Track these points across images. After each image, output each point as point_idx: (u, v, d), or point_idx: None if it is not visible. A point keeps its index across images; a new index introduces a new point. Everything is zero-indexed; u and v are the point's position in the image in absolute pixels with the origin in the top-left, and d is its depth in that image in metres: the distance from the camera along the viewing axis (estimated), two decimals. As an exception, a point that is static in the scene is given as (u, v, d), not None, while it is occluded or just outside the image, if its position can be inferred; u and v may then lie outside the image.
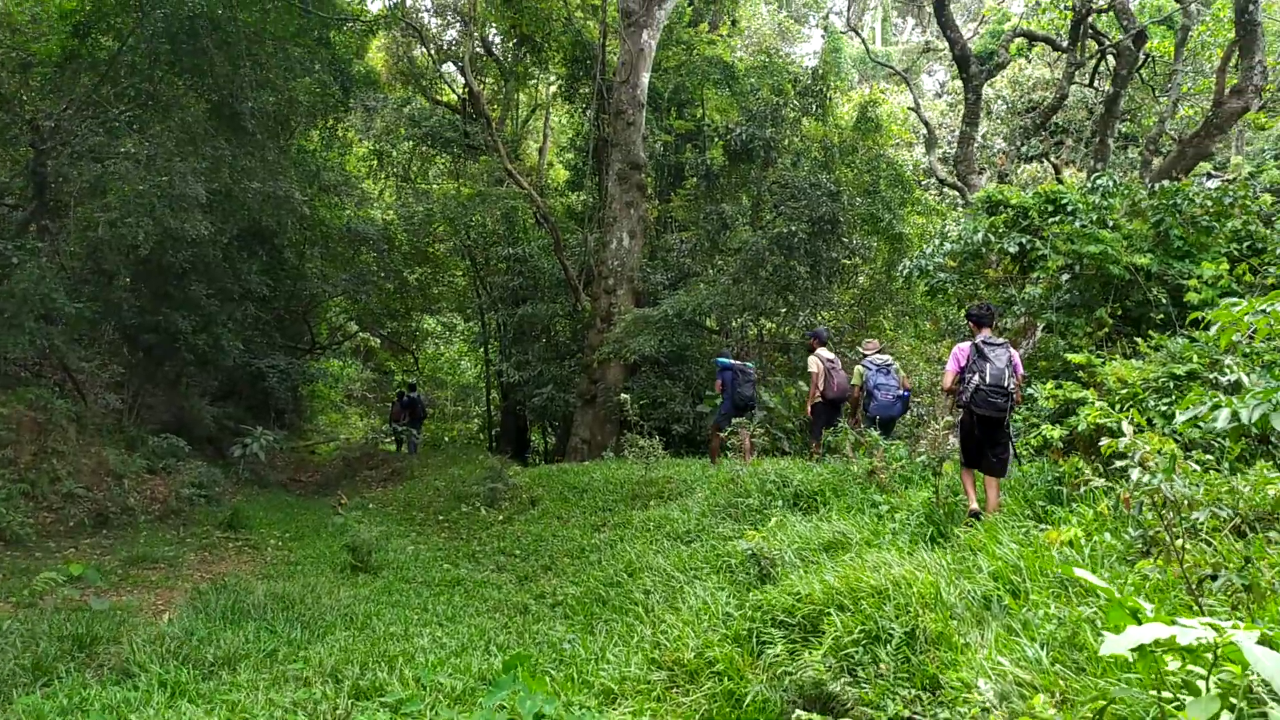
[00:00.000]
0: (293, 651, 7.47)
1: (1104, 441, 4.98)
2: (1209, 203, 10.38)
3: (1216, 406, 3.94)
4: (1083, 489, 6.62)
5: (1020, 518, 6.87)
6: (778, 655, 5.59)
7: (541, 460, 24.15)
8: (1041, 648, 4.37)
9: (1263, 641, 2.31)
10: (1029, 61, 31.47)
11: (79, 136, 14.79)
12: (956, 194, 23.93)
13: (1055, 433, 7.60)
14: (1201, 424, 4.12)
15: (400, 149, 28.56)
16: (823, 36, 41.96)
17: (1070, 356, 8.55)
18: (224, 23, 15.64)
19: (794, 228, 17.81)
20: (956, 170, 22.29)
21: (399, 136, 27.05)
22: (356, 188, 26.47)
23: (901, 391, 12.27)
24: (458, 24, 26.51)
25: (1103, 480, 5.39)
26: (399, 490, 18.19)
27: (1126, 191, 11.25)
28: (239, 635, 7.79)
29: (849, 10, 38.67)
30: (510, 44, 26.38)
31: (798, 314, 19.25)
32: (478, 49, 26.32)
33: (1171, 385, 7.29)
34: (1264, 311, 4.07)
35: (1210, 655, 2.46)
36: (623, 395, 15.01)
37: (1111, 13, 20.25)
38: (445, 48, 26.88)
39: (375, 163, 29.13)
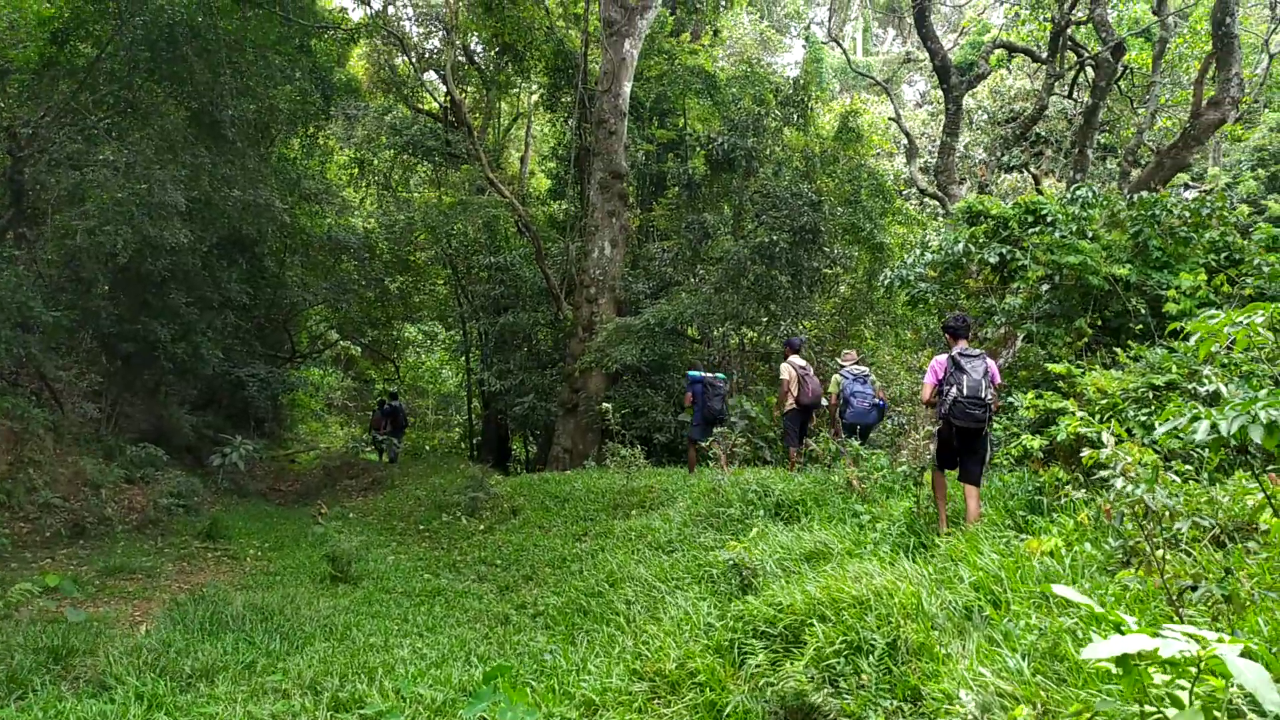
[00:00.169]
0: (271, 663, 7.40)
1: (1086, 452, 5.00)
2: (1187, 214, 10.47)
3: (1196, 418, 3.95)
4: (1063, 499, 6.65)
5: (1001, 527, 6.89)
6: (759, 666, 5.58)
7: (523, 469, 24.10)
8: (1023, 659, 4.37)
9: (1245, 654, 2.31)
10: (1010, 72, 31.65)
11: (57, 144, 14.69)
12: (937, 204, 24.00)
13: (1035, 443, 7.63)
14: (1181, 435, 4.13)
15: (381, 157, 28.51)
16: (804, 47, 42.13)
17: (1050, 366, 8.59)
18: (204, 30, 15.56)
19: (775, 237, 17.85)
20: (937, 180, 22.39)
21: (380, 145, 27.01)
22: (337, 196, 26.40)
23: (877, 400, 12.67)
24: (439, 32, 26.47)
25: (1084, 491, 5.41)
26: (380, 499, 18.10)
27: (1105, 202, 11.33)
28: (217, 647, 7.71)
29: (830, 21, 38.81)
30: (492, 53, 26.33)
31: (779, 323, 19.26)
32: (459, 57, 26.27)
33: (1151, 395, 7.34)
34: (1242, 324, 4.09)
35: (1194, 668, 2.47)
36: (604, 404, 14.99)
37: (1090, 25, 20.39)
38: (427, 56, 26.83)
39: (356, 171, 29.05)
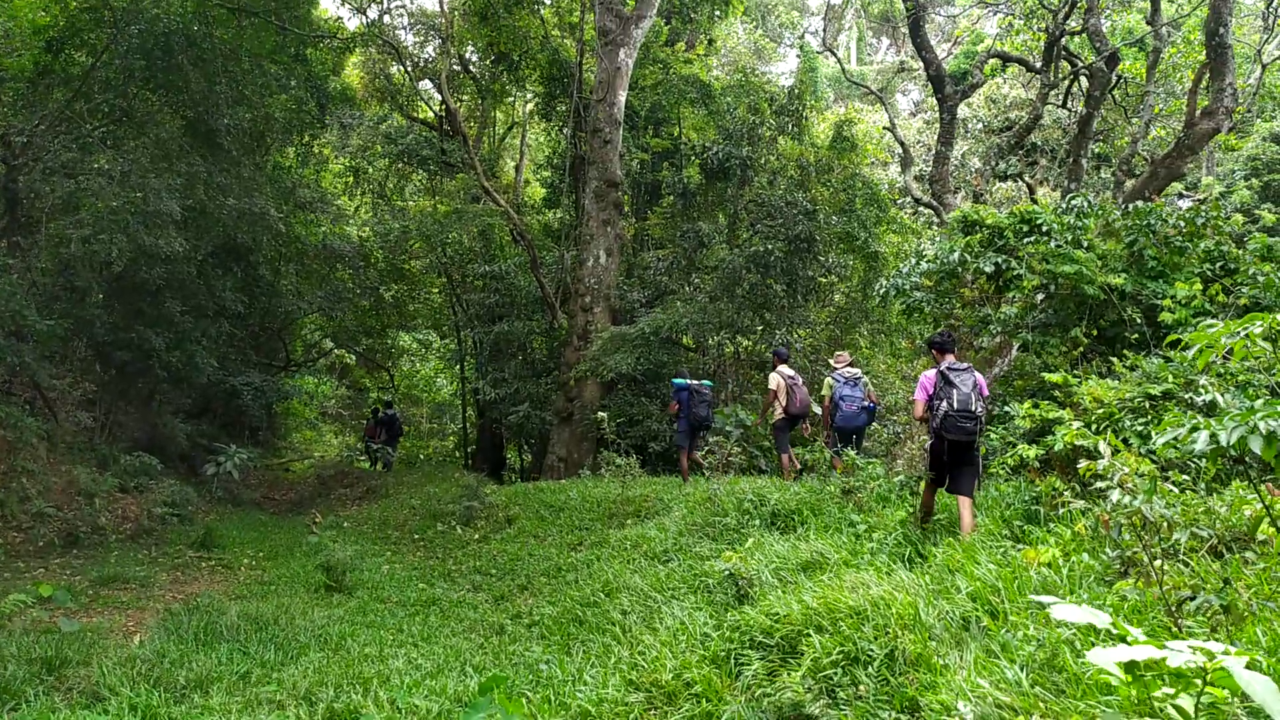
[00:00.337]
0: (266, 673, 7.37)
1: (1083, 463, 4.99)
2: (1182, 223, 10.47)
3: (1196, 429, 3.95)
4: (1060, 509, 6.63)
5: (998, 537, 6.86)
6: (756, 676, 5.56)
7: (518, 478, 24.02)
8: (1021, 669, 4.34)
9: (1250, 666, 2.30)
10: (1005, 81, 31.74)
11: (51, 152, 14.68)
12: (932, 213, 24.06)
13: (1032, 452, 7.62)
14: (1179, 446, 4.13)
15: (376, 166, 28.49)
16: (798, 56, 42.19)
17: (1047, 376, 8.58)
18: (199, 39, 15.57)
19: (770, 246, 17.87)
20: (932, 189, 22.44)
21: (375, 153, 27.00)
22: (332, 204, 26.42)
23: (868, 404, 12.62)
24: (435, 41, 26.49)
25: (1081, 501, 5.40)
26: (374, 508, 18.05)
27: (1100, 212, 11.33)
28: (211, 657, 7.67)
29: (825, 30, 38.95)
30: (488, 62, 26.37)
31: (774, 332, 19.27)
32: (455, 66, 26.28)
33: (1147, 405, 7.33)
34: (1241, 334, 4.09)
35: (1200, 680, 2.45)
36: (599, 413, 14.97)
37: (1084, 35, 20.47)
38: (422, 65, 26.82)
39: (351, 179, 29.04)
